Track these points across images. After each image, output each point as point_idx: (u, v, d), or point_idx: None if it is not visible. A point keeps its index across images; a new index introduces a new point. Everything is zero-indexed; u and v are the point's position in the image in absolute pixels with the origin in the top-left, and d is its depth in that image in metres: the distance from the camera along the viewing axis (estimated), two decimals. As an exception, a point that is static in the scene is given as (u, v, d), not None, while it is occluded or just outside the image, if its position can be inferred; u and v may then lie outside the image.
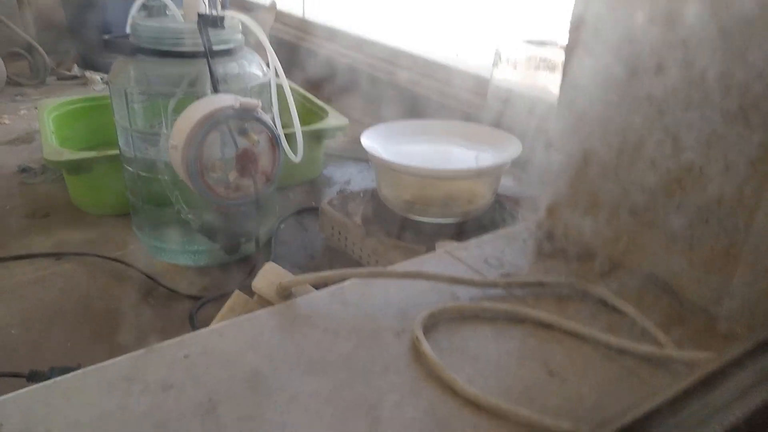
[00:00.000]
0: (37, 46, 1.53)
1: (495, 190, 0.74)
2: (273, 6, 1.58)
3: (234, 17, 0.71)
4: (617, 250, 0.54)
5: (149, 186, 0.74)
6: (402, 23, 1.38)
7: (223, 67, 0.69)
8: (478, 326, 0.47)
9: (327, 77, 1.38)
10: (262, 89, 0.74)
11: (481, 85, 1.10)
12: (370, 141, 0.74)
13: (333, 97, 1.25)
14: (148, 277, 0.73)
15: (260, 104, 0.64)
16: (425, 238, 0.69)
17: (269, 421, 0.36)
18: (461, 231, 0.70)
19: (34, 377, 0.53)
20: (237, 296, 0.51)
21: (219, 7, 0.71)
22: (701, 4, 0.43)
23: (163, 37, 0.67)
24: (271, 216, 0.82)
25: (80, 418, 0.36)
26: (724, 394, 0.23)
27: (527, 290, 0.51)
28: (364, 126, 0.77)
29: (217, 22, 0.67)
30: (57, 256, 0.77)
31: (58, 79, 1.58)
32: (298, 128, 0.77)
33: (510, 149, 0.72)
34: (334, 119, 1.02)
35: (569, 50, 0.53)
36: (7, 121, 1.28)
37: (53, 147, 0.87)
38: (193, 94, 0.67)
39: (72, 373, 0.39)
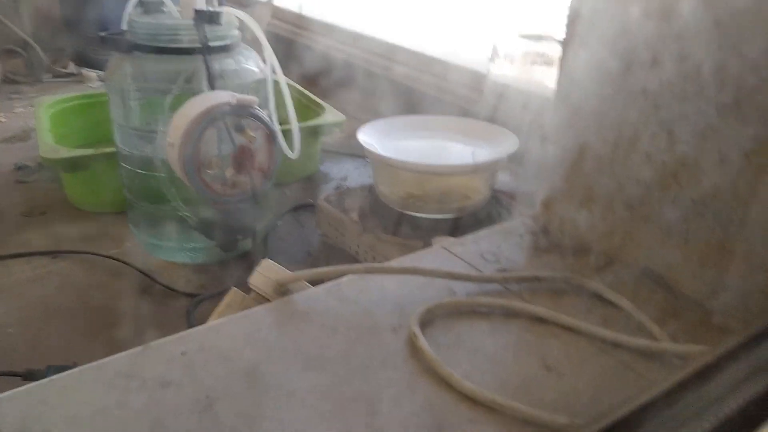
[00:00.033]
0: (33, 43, 1.52)
1: (492, 185, 0.74)
2: (270, 2, 1.58)
3: (231, 13, 0.70)
4: (612, 244, 0.54)
5: (146, 183, 0.74)
6: (399, 19, 1.38)
7: (219, 64, 0.69)
8: (475, 321, 0.47)
9: (323, 73, 1.38)
10: (259, 86, 0.74)
11: (477, 80, 1.10)
12: (367, 137, 0.74)
13: (329, 93, 1.24)
14: (145, 274, 0.73)
15: (257, 101, 0.64)
16: (422, 233, 0.69)
17: (267, 418, 0.36)
18: (458, 226, 0.70)
19: (30, 376, 0.53)
20: (234, 293, 0.51)
21: (216, 2, 0.71)
22: (696, -3, 0.43)
23: (160, 33, 0.67)
24: (268, 213, 0.82)
25: (77, 416, 0.36)
26: (719, 386, 0.23)
27: (523, 285, 0.51)
28: (361, 122, 0.77)
29: (213, 18, 0.67)
30: (54, 254, 0.77)
31: (54, 76, 1.57)
32: (295, 124, 0.77)
33: (506, 144, 0.72)
34: (330, 115, 1.02)
35: (566, 44, 0.53)
36: (2, 119, 1.27)
37: (50, 144, 0.86)
38: (189, 91, 0.67)
39: (69, 371, 0.39)
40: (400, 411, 0.37)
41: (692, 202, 0.46)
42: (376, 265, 0.54)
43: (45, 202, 0.91)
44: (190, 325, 0.64)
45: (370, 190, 0.79)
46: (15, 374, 0.54)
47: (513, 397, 0.38)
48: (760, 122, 0.41)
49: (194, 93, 0.65)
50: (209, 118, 0.62)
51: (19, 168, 1.02)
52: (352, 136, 0.76)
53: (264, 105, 0.74)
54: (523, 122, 0.79)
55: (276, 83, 0.75)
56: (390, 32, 1.38)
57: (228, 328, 0.45)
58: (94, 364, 0.40)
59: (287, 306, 0.48)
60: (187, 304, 0.68)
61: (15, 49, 1.54)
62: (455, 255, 0.56)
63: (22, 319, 0.65)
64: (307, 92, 1.13)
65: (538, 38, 0.91)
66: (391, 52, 1.36)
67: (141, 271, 0.73)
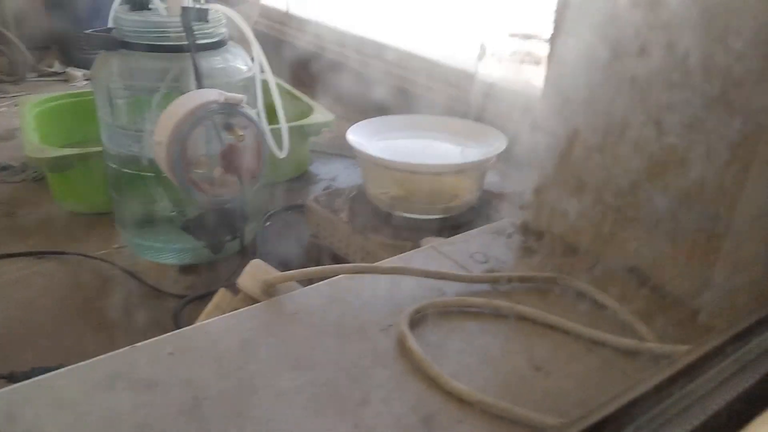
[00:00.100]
0: (17, 41, 1.50)
1: (481, 185, 0.74)
2: (257, 0, 1.57)
3: (218, 10, 0.70)
4: (600, 243, 0.54)
5: (133, 183, 0.73)
6: (387, 18, 1.38)
7: (207, 62, 0.68)
8: (464, 321, 0.47)
9: (310, 72, 1.38)
10: (247, 84, 0.74)
11: (465, 79, 1.10)
12: (356, 136, 0.74)
13: (316, 92, 1.24)
14: (132, 275, 0.72)
15: (245, 99, 0.64)
16: (411, 234, 0.69)
17: (255, 418, 0.36)
18: (447, 227, 0.70)
19: (14, 378, 0.52)
20: (222, 294, 0.51)
21: (203, 0, 0.71)
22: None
23: (147, 30, 0.66)
24: (257, 213, 0.81)
25: (62, 417, 0.35)
26: (706, 383, 0.23)
27: (512, 285, 0.51)
28: (350, 122, 0.77)
29: (201, 16, 0.66)
30: (38, 255, 0.76)
31: (39, 75, 1.56)
32: (283, 123, 0.76)
33: (495, 144, 0.72)
34: (320, 115, 1.02)
35: (555, 30, 0.53)
36: (-14, 118, 1.26)
37: (35, 144, 0.85)
38: (177, 89, 0.66)
39: (54, 372, 0.39)
40: (389, 411, 0.37)
41: (679, 195, 0.46)
42: (366, 265, 0.54)
43: (29, 203, 0.90)
44: (178, 327, 0.63)
45: (360, 191, 0.79)
46: (-1, 376, 0.53)
47: (501, 396, 0.38)
48: (747, 115, 0.41)
49: (182, 91, 0.65)
50: (197, 116, 0.61)
51: (3, 168, 1.01)
52: (342, 136, 0.75)
53: (252, 104, 0.73)
54: (512, 121, 0.79)
55: (265, 83, 0.74)
56: (379, 31, 1.38)
57: (216, 328, 0.44)
58: (80, 364, 0.39)
59: (276, 306, 0.47)
60: (174, 305, 0.67)
61: (-2, 47, 1.52)
62: (444, 255, 0.56)
63: (7, 321, 0.64)
64: (296, 91, 1.12)
65: (526, 37, 0.91)
66: (380, 51, 1.36)
67: (128, 272, 0.73)
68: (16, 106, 1.08)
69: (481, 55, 0.97)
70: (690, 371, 0.24)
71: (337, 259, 0.74)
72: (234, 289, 0.51)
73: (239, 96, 0.63)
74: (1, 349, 0.60)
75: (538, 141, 0.57)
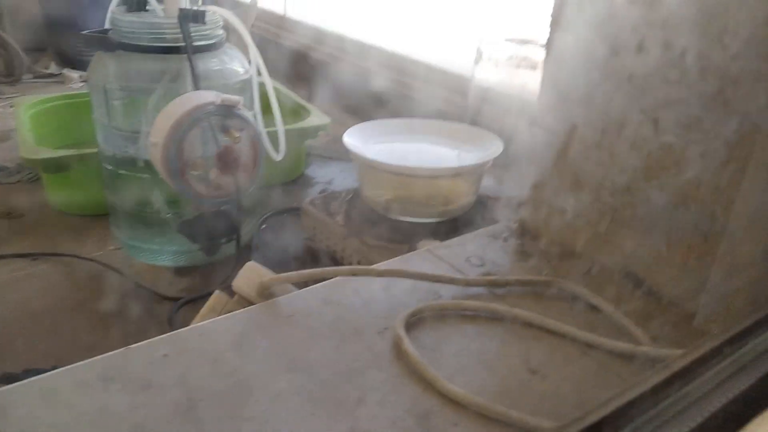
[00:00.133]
0: (12, 42, 1.50)
1: (477, 189, 0.74)
2: (254, 3, 1.57)
3: (215, 12, 0.70)
4: (596, 246, 0.54)
5: (128, 185, 0.73)
6: (385, 22, 1.38)
7: (204, 63, 0.68)
8: (460, 324, 0.47)
9: (306, 76, 1.38)
10: (244, 86, 0.73)
11: (462, 83, 1.10)
12: (353, 139, 0.74)
13: (313, 95, 1.24)
14: (127, 277, 0.72)
15: (242, 101, 0.64)
16: (407, 237, 0.69)
17: (251, 419, 0.36)
18: (443, 230, 0.70)
19: (7, 380, 0.52)
20: (217, 296, 0.51)
21: (200, 1, 0.71)
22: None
23: (143, 31, 0.66)
24: (253, 216, 0.81)
25: (56, 418, 0.35)
26: (703, 384, 0.23)
27: (508, 289, 0.51)
28: (346, 125, 0.77)
29: (198, 17, 0.66)
30: (33, 256, 0.76)
31: (35, 76, 1.55)
32: (280, 125, 0.76)
33: (492, 148, 0.72)
34: (316, 118, 1.02)
35: (552, 26, 0.53)
36: (-19, 120, 1.25)
37: (30, 145, 0.85)
38: (173, 91, 0.66)
39: (47, 373, 0.38)
40: (384, 413, 0.37)
41: (676, 196, 0.46)
42: (362, 267, 0.54)
43: (24, 204, 0.89)
44: (173, 329, 0.63)
45: (356, 194, 0.79)
46: (-9, 378, 0.53)
47: (497, 399, 0.38)
48: (743, 116, 0.41)
49: (178, 93, 0.64)
50: (193, 117, 0.61)
51: (-1, 169, 1.01)
52: (338, 139, 0.75)
53: (249, 106, 0.73)
54: (508, 126, 0.79)
55: (262, 85, 0.74)
56: (377, 35, 1.39)
57: (211, 330, 0.44)
58: (74, 365, 0.39)
59: (271, 308, 0.47)
60: (169, 307, 0.67)
61: (-6, 48, 1.51)
62: (441, 258, 0.56)
63: (1, 322, 0.63)
64: (292, 95, 1.12)
65: (523, 42, 0.91)
66: (377, 55, 1.36)
67: (123, 274, 0.72)
68: (11, 107, 1.08)
69: (478, 59, 0.97)
70: (687, 373, 0.24)
71: (333, 263, 0.74)
72: (229, 292, 0.50)
73: (236, 98, 0.63)
74: (-6, 350, 0.60)
75: (536, 137, 0.57)
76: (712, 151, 0.43)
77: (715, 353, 0.25)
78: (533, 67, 0.87)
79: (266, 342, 0.43)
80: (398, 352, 0.43)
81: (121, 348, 0.41)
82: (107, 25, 0.70)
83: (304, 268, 0.50)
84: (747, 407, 0.24)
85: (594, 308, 0.49)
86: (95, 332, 0.63)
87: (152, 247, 0.75)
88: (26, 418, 0.35)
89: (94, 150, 0.76)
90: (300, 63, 1.46)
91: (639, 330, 0.45)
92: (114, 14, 0.68)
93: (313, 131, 1.01)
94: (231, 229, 0.71)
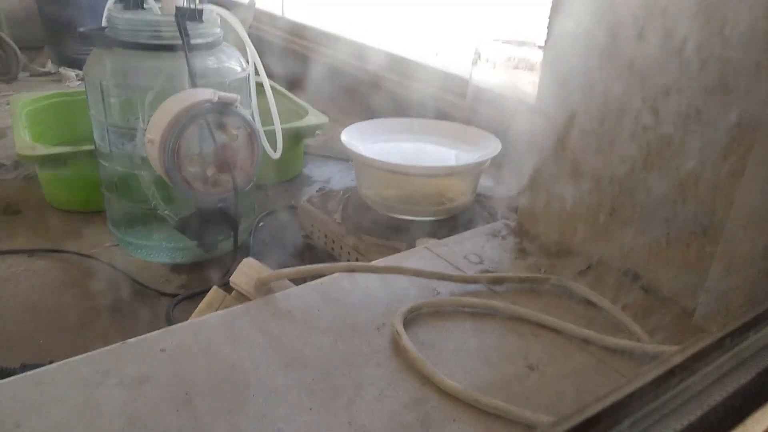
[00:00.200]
0: (9, 40, 1.50)
1: (475, 188, 0.74)
2: (252, 4, 1.57)
3: (213, 11, 0.70)
4: (594, 243, 0.54)
5: (125, 182, 0.73)
6: (383, 23, 1.38)
7: (201, 61, 0.68)
8: (458, 321, 0.47)
9: (304, 76, 1.38)
10: (241, 85, 0.73)
11: (460, 84, 1.10)
12: (351, 138, 0.74)
13: (310, 96, 1.24)
14: (124, 274, 0.71)
15: (239, 99, 0.64)
16: (405, 235, 0.69)
17: (247, 414, 0.36)
18: (441, 228, 0.70)
19: (4, 374, 0.52)
20: (215, 292, 0.51)
21: (197, 0, 0.70)
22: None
23: (140, 29, 0.66)
24: (250, 214, 0.81)
25: (52, 412, 0.35)
26: (703, 378, 0.23)
27: (506, 286, 0.51)
28: (343, 125, 0.77)
29: (195, 15, 0.66)
30: (30, 252, 0.76)
31: (32, 75, 1.55)
32: (277, 123, 0.76)
33: (489, 148, 0.72)
34: (314, 117, 1.02)
35: (553, 11, 0.53)
36: (-23, 117, 1.24)
37: (26, 142, 0.85)
38: (170, 88, 0.66)
39: (44, 367, 0.38)
40: (382, 408, 0.37)
41: (674, 190, 0.46)
42: (360, 264, 0.54)
43: (21, 201, 0.89)
44: (170, 325, 0.63)
45: (354, 193, 0.79)
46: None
47: (496, 395, 0.38)
48: (742, 108, 0.41)
49: (175, 90, 0.64)
50: (190, 115, 0.61)
51: (-5, 166, 1.00)
52: (336, 138, 0.75)
53: (246, 104, 0.73)
54: (505, 126, 0.79)
55: (260, 85, 0.74)
56: (375, 37, 1.39)
57: (208, 325, 0.44)
58: (70, 360, 0.39)
59: (269, 304, 0.47)
60: (166, 304, 0.67)
61: (-9, 46, 1.51)
62: (439, 256, 0.56)
63: (-3, 318, 0.63)
64: (290, 94, 1.12)
65: (521, 43, 0.91)
66: (375, 57, 1.36)
67: (120, 271, 0.72)
68: (8, 105, 1.07)
69: (476, 61, 0.97)
70: (687, 366, 0.24)
71: (330, 260, 0.73)
72: (226, 289, 0.50)
73: (233, 95, 0.63)
74: (-10, 347, 0.59)
75: (535, 124, 0.56)
76: (711, 143, 0.43)
77: (716, 347, 0.24)
78: (531, 68, 0.87)
79: (264, 337, 0.43)
80: (396, 348, 0.42)
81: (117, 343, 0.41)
82: (104, 23, 0.70)
83: (302, 265, 0.50)
84: (747, 401, 0.24)
85: (593, 305, 0.49)
86: (92, 328, 0.63)
87: (149, 244, 0.75)
88: (22, 412, 0.35)
89: (91, 147, 0.76)
90: (296, 63, 1.46)
91: (637, 326, 0.45)
92: (111, 12, 0.68)
93: (311, 130, 1.01)
94: (228, 226, 0.71)
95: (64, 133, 1.03)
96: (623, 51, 0.48)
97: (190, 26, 0.66)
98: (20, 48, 1.51)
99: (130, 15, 0.67)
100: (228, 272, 0.70)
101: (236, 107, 0.64)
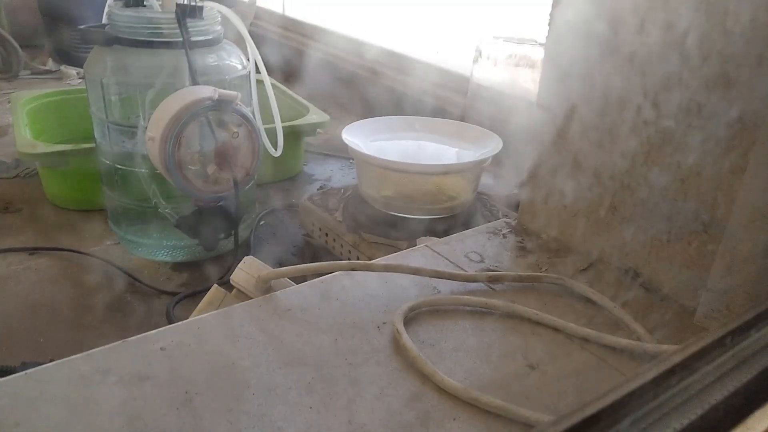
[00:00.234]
0: (10, 39, 1.50)
1: (476, 186, 0.74)
2: (253, 1, 1.57)
3: (213, 8, 0.70)
4: (594, 242, 0.54)
5: (126, 180, 0.72)
6: (384, 21, 1.38)
7: (201, 59, 0.68)
8: (459, 319, 0.47)
9: (304, 74, 1.37)
10: (242, 82, 0.73)
11: (460, 82, 1.10)
12: (352, 136, 0.73)
13: (311, 94, 1.24)
14: (125, 272, 0.71)
15: (239, 96, 0.64)
16: (406, 234, 0.69)
17: (247, 413, 0.36)
18: (442, 227, 0.70)
19: (3, 373, 0.52)
20: (215, 291, 0.51)
21: (198, -2, 0.70)
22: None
23: (141, 26, 0.66)
24: (251, 212, 0.81)
25: (51, 410, 0.35)
26: (704, 377, 0.23)
27: (507, 284, 0.51)
28: (344, 123, 0.77)
29: (195, 12, 0.66)
30: (31, 250, 0.76)
31: (33, 73, 1.55)
32: (278, 121, 0.76)
33: (490, 146, 0.72)
34: (314, 115, 1.02)
35: (554, 4, 0.53)
36: (-22, 115, 1.25)
37: (27, 140, 0.85)
38: (171, 86, 0.66)
39: (44, 366, 0.38)
40: (383, 407, 0.37)
41: (676, 184, 0.46)
42: (360, 262, 0.54)
43: (22, 199, 0.89)
44: (170, 323, 0.63)
45: (355, 191, 0.79)
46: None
47: (496, 394, 0.38)
48: (743, 103, 0.41)
49: (176, 88, 0.64)
50: (191, 112, 0.61)
51: (-5, 164, 1.00)
52: (337, 137, 0.75)
53: (247, 102, 0.73)
54: (507, 124, 0.79)
55: (260, 83, 0.74)
56: (376, 35, 1.38)
57: (208, 324, 0.44)
58: (71, 358, 0.39)
59: (269, 303, 0.47)
60: (167, 302, 0.67)
61: (-8, 44, 1.51)
62: (439, 254, 0.56)
63: (-2, 316, 0.63)
64: (291, 92, 1.12)
65: (522, 41, 0.91)
66: (376, 55, 1.36)
67: (120, 269, 0.72)
68: (9, 103, 1.07)
69: (477, 58, 0.97)
70: (688, 365, 0.24)
71: (331, 259, 0.73)
72: (227, 288, 0.50)
73: (233, 93, 0.63)
74: (-9, 345, 0.59)
75: (536, 116, 0.56)
76: (712, 138, 0.43)
77: (716, 346, 0.24)
78: (532, 65, 0.87)
79: (264, 336, 0.43)
80: (397, 347, 0.42)
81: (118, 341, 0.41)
82: (104, 20, 0.70)
83: (303, 263, 0.50)
84: (748, 400, 0.24)
85: (594, 304, 0.49)
86: (92, 327, 0.63)
87: (150, 242, 0.74)
88: (22, 410, 0.35)
89: (92, 145, 0.76)
90: (296, 61, 1.45)
91: (638, 325, 0.45)
92: (111, 9, 0.68)
93: (312, 128, 1.01)
94: (229, 224, 0.71)
95: (64, 131, 1.03)
96: (624, 44, 0.47)
97: (191, 23, 0.66)
98: (21, 46, 1.51)
99: (130, 12, 0.67)
100: (228, 270, 0.70)
101: (237, 105, 0.64)
